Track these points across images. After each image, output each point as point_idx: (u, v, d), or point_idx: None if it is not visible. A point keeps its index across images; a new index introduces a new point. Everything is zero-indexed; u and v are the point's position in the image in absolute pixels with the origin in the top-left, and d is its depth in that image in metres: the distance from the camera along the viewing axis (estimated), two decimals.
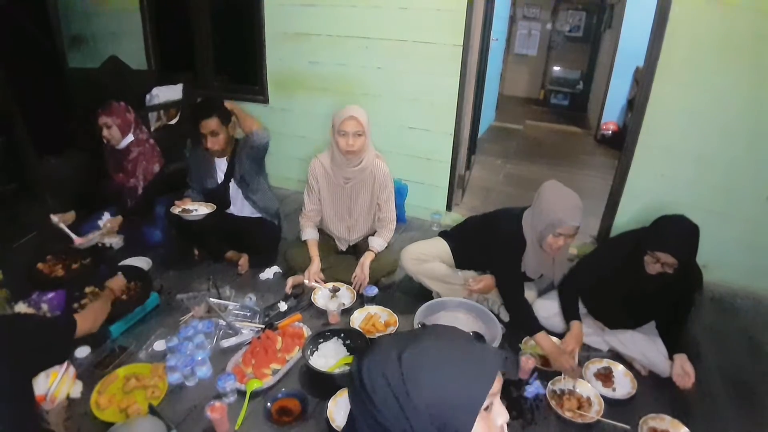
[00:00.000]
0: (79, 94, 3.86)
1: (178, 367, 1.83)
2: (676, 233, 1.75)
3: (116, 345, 2.02)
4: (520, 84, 8.37)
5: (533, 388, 1.85)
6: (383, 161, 2.41)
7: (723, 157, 2.53)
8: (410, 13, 2.97)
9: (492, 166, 4.71)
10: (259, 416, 1.71)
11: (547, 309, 2.15)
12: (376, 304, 2.29)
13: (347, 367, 1.86)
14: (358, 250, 2.57)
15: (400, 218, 2.67)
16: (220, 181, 2.58)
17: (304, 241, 2.49)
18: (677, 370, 1.85)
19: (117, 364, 1.91)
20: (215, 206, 2.48)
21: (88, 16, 4.20)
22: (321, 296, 2.35)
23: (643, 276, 1.83)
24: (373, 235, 2.51)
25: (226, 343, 2.05)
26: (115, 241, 2.71)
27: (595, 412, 1.74)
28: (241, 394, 1.78)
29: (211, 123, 2.36)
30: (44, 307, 2.17)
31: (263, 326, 2.11)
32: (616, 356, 2.06)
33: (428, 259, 2.32)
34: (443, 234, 2.44)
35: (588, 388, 1.84)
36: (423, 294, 2.39)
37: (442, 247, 2.35)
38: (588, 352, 2.09)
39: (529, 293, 2.23)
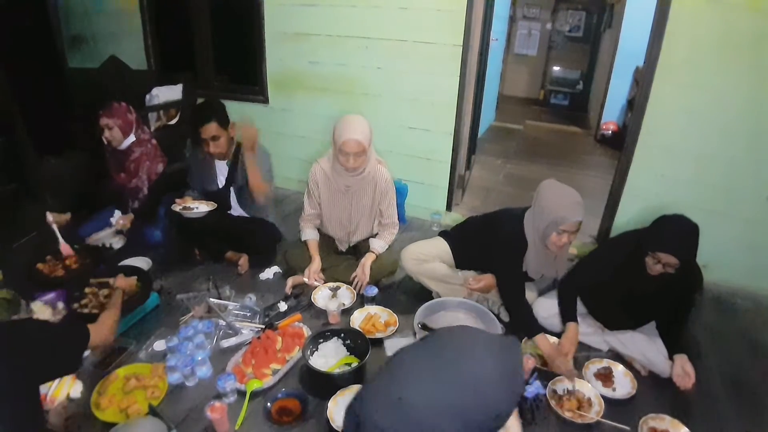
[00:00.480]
0: (79, 94, 3.87)
1: (178, 367, 1.83)
2: (677, 233, 1.75)
3: (116, 345, 2.01)
4: (520, 84, 8.38)
5: (533, 388, 1.84)
6: (385, 166, 2.40)
7: (723, 156, 2.53)
8: (410, 13, 2.97)
9: (492, 166, 4.71)
10: (259, 416, 1.71)
11: (547, 308, 2.15)
12: (376, 304, 2.29)
13: (347, 367, 1.86)
14: (358, 250, 2.56)
15: (400, 218, 2.67)
16: (221, 185, 2.58)
17: (304, 241, 2.49)
18: (677, 370, 1.86)
19: (117, 364, 1.91)
20: (216, 204, 2.48)
21: (88, 16, 4.21)
22: (321, 296, 2.35)
23: (643, 276, 1.83)
24: (373, 236, 2.51)
25: (226, 343, 2.05)
26: (116, 241, 2.72)
27: (595, 413, 1.73)
28: (241, 394, 1.78)
29: (211, 128, 2.35)
30: (59, 305, 2.15)
31: (263, 326, 2.11)
32: (616, 356, 2.06)
33: (428, 259, 2.32)
34: (443, 234, 2.44)
35: (588, 388, 1.84)
36: (423, 294, 2.39)
37: (442, 247, 2.36)
38: (588, 352, 2.09)
39: (530, 294, 2.23)
